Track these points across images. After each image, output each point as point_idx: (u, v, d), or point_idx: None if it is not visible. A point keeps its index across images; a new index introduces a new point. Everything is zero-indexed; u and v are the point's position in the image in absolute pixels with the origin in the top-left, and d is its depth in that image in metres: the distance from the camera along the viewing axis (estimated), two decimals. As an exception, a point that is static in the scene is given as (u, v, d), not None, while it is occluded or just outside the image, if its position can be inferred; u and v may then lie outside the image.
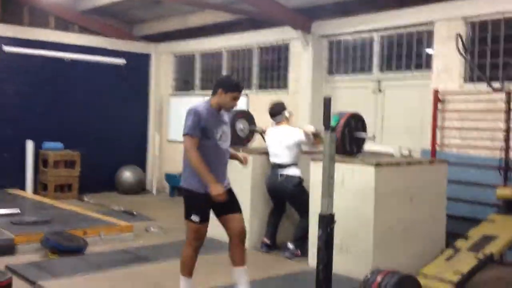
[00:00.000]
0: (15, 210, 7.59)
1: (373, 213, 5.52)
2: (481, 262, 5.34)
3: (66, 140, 10.66)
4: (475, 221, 6.27)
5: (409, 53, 7.91)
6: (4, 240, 6.17)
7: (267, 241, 6.70)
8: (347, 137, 5.79)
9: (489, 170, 6.70)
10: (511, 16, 6.74)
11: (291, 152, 6.57)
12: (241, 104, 7.97)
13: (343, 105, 7.90)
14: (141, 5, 10.46)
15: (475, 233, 5.81)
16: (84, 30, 11.25)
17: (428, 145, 7.37)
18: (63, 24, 11.06)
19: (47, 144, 10.48)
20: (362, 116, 6.09)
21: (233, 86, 4.50)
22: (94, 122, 11.08)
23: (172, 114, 11.79)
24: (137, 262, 6.02)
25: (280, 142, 6.58)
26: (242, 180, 6.57)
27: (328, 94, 8.70)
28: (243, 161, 5.01)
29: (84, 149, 10.59)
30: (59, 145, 10.57)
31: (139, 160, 11.80)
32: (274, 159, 6.64)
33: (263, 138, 7.21)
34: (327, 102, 4.01)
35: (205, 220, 4.43)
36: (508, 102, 6.54)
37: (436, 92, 7.24)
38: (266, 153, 6.82)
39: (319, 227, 3.82)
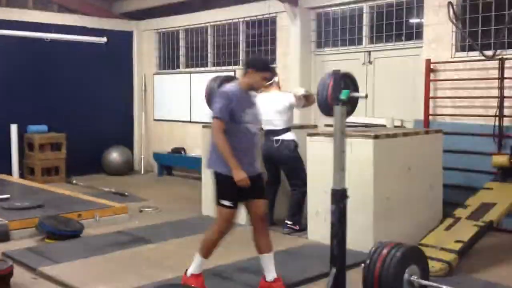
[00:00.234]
0: (5, 196, 7.43)
1: (372, 185, 5.51)
2: (482, 230, 5.38)
3: (50, 122, 10.48)
4: (470, 189, 6.32)
5: (399, 23, 7.85)
6: (-2, 226, 6.04)
7: None
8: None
9: (483, 138, 6.72)
10: (502, -18, 6.71)
11: (283, 117, 6.51)
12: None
13: (334, 78, 7.82)
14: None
15: (473, 202, 5.85)
16: (63, 9, 10.96)
17: (420, 115, 7.36)
18: (42, 3, 10.75)
19: (32, 127, 10.29)
20: (353, 74, 5.53)
21: (265, 66, 4.39)
22: (78, 103, 10.86)
23: (157, 92, 11.62)
24: (135, 243, 5.95)
25: (272, 108, 6.44)
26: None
27: (317, 68, 8.68)
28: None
29: (69, 130, 10.41)
30: (43, 127, 10.38)
31: (126, 140, 11.63)
32: (267, 126, 6.48)
33: None
34: (336, 75, 3.93)
35: (236, 204, 4.30)
36: (501, 69, 6.55)
37: (428, 62, 7.20)
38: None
39: (332, 202, 3.77)
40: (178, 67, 11.28)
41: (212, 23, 10.41)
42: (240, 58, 9.91)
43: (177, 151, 10.84)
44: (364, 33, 8.24)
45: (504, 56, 6.56)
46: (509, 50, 6.65)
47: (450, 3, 6.74)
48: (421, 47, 7.45)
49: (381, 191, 5.57)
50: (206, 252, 4.38)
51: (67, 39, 10.56)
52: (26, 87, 10.26)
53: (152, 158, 11.40)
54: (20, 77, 10.21)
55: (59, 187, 8.83)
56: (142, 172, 11.56)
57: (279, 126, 6.50)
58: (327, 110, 5.18)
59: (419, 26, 7.58)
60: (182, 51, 11.19)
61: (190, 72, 10.87)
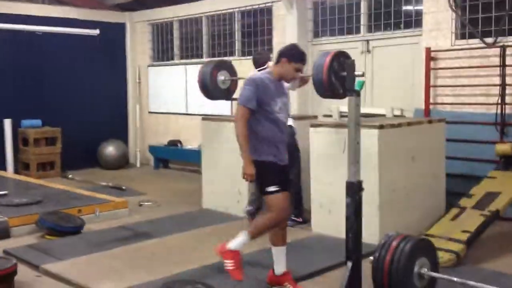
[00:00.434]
0: (3, 192, 7.31)
1: (378, 175, 5.46)
2: (488, 220, 5.36)
3: (44, 117, 10.34)
4: (473, 178, 6.29)
5: (397, 11, 7.78)
6: (-2, 224, 5.94)
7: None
8: (333, 78, 4.99)
9: (484, 126, 6.69)
10: (503, -32, 6.66)
11: None
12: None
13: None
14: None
15: (478, 191, 5.82)
16: (54, 1, 10.78)
17: (420, 104, 7.32)
18: (32, -4, 10.59)
19: (26, 122, 10.15)
20: (348, 53, 5.33)
21: (299, 56, 4.26)
22: (72, 96, 10.74)
23: (152, 85, 11.50)
24: (138, 238, 5.87)
25: None
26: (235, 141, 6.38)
27: (314, 58, 8.57)
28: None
29: (63, 124, 10.28)
30: (38, 122, 10.25)
31: (121, 133, 11.52)
32: None
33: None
34: (350, 65, 3.85)
35: (284, 188, 4.16)
36: (502, 57, 6.51)
37: (428, 50, 7.15)
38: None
39: (347, 195, 3.70)
40: (172, 58, 11.15)
41: (206, 14, 10.29)
42: (236, 49, 9.81)
43: (173, 143, 10.74)
44: (362, 22, 8.16)
45: (506, 43, 6.52)
46: (510, 37, 6.60)
47: (449, -11, 6.67)
48: (421, 35, 7.38)
49: (386, 181, 5.52)
50: (257, 234, 4.16)
51: (59, 31, 10.39)
52: (19, 81, 10.11)
53: (148, 151, 11.29)
54: (13, 71, 10.05)
55: (55, 182, 8.72)
56: (138, 166, 11.45)
57: None
58: (322, 90, 5.12)
59: (418, 14, 7.51)
60: (176, 42, 11.05)
61: (185, 64, 10.75)
